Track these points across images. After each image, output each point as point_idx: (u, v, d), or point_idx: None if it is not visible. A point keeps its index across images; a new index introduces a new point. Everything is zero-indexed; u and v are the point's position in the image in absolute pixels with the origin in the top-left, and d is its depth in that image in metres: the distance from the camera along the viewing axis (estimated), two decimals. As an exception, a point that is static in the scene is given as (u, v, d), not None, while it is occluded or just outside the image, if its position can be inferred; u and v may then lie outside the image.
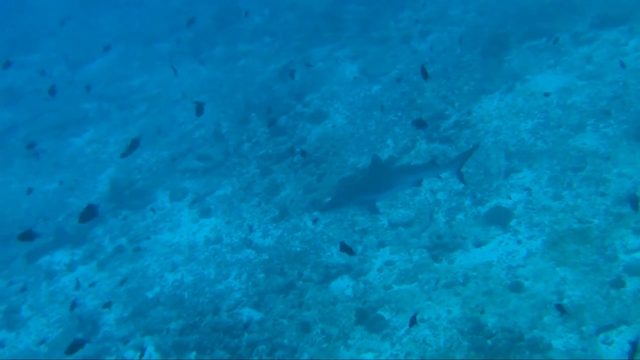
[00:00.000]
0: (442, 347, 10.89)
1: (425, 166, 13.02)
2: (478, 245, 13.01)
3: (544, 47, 18.63)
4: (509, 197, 13.80)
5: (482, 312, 11.22)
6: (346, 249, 10.55)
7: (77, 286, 15.61)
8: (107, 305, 14.06)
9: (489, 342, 10.66)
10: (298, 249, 14.45)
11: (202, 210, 17.07)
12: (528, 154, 14.83)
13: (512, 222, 13.21)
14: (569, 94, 16.29)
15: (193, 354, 12.47)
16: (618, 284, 11.08)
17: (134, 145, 11.90)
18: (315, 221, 14.71)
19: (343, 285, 13.14)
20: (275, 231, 15.27)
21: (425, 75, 10.38)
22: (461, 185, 14.51)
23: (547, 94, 16.41)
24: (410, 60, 20.71)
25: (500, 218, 13.34)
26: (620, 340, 10.24)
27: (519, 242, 12.70)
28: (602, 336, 10.38)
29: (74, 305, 13.76)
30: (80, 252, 17.24)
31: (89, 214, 9.56)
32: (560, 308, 10.67)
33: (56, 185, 21.13)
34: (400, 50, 21.61)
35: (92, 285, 15.62)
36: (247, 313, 13.18)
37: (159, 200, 18.30)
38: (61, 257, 17.39)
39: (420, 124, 13.44)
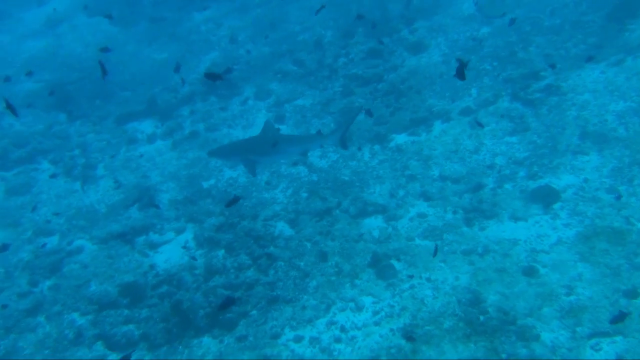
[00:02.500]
0: (436, 310, 11.21)
1: (311, 137, 12.95)
2: (513, 220, 12.99)
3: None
4: None
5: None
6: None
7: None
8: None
9: (481, 318, 10.88)
10: (346, 178, 14.90)
11: (277, 116, 17.70)
12: (604, 138, 14.29)
13: (556, 205, 13.01)
14: (678, 81, 15.36)
15: (221, 252, 13.43)
16: (631, 294, 10.87)
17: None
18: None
19: (373, 225, 13.55)
20: (332, 155, 15.73)
21: (461, 73, 9.61)
22: (521, 155, 14.35)
23: None
24: (531, 7, 19.81)
25: (545, 198, 13.16)
26: (610, 350, 10.23)
27: (554, 227, 12.57)
28: (593, 341, 10.34)
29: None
30: (164, 126, 18.41)
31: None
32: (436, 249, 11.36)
33: (165, 56, 22.27)
34: (526, -8, 20.69)
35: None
36: (280, 227, 13.93)
37: (244, 95, 19.07)
38: (146, 127, 18.68)
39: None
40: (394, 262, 12.38)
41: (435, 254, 11.52)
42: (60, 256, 14.38)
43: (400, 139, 15.91)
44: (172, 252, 13.93)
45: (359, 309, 11.63)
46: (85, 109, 20.06)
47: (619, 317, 10.20)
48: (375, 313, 11.48)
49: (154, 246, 14.19)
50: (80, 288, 13.36)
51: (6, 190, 17.16)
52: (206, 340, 11.71)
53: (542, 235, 12.44)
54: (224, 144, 16.03)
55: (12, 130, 19.55)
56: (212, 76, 11.09)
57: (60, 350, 12.09)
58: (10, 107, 11.19)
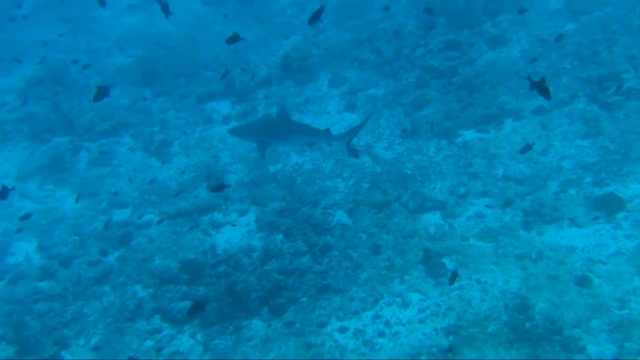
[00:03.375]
0: (482, 313, 11.19)
1: (320, 132, 12.79)
2: (573, 226, 12.74)
3: None
4: None
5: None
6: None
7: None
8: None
9: (527, 324, 10.81)
10: (409, 172, 14.91)
11: (349, 105, 17.84)
12: (680, 148, 13.81)
13: (620, 215, 12.69)
14: None
15: (280, 237, 13.75)
16: (688, 315, 10.61)
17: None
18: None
19: (431, 221, 13.56)
20: (398, 147, 15.78)
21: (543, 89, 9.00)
22: (590, 160, 14.01)
23: None
24: (621, 5, 19.01)
25: (610, 206, 12.84)
26: (657, 367, 10.04)
27: (615, 237, 12.28)
28: (641, 359, 10.18)
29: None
30: (239, 108, 18.86)
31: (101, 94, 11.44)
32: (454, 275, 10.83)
33: (248, 38, 22.62)
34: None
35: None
36: (339, 216, 14.12)
37: (320, 81, 19.26)
38: (223, 107, 19.16)
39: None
40: (445, 260, 12.39)
41: (452, 281, 11.00)
42: (130, 229, 15.04)
43: (469, 135, 15.74)
44: (233, 233, 14.36)
45: (406, 305, 11.76)
46: (169, 86, 20.72)
47: None
48: (421, 311, 11.59)
49: (217, 226, 14.65)
50: (145, 261, 13.99)
51: (89, 161, 18.00)
52: (256, 322, 12.10)
53: (601, 244, 12.20)
54: (244, 123, 16.66)
55: (100, 103, 20.30)
56: (232, 39, 11.51)
57: (121, 320, 12.74)
58: (102, 91, 11.86)
